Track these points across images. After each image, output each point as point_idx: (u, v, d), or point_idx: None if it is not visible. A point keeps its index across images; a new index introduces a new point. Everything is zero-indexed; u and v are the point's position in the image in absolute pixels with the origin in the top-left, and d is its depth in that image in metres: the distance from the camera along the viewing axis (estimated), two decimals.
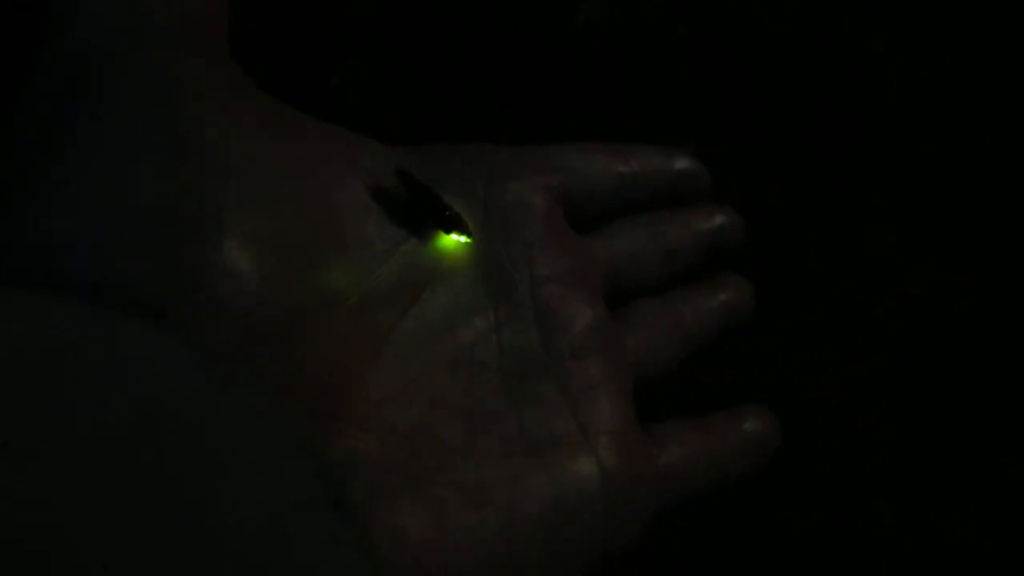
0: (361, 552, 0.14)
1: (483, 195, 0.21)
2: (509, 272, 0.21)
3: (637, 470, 0.20)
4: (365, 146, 0.20)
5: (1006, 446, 0.34)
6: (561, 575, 0.18)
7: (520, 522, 0.18)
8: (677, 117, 0.36)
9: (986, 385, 0.34)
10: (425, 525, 0.17)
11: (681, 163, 0.26)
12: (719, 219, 0.26)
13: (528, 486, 0.18)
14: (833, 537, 0.33)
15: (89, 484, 0.12)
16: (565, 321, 0.21)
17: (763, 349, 0.34)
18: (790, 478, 0.34)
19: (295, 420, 0.16)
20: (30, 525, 0.11)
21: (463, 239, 0.20)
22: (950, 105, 0.36)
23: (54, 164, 0.16)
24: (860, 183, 0.36)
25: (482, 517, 0.17)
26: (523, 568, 0.18)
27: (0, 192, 0.16)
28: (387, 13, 0.34)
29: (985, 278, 0.35)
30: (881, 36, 0.37)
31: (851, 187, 0.36)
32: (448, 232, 0.20)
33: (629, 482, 0.20)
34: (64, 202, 0.16)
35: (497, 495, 0.18)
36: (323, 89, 0.33)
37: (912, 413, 0.34)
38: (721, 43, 0.36)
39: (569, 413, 0.20)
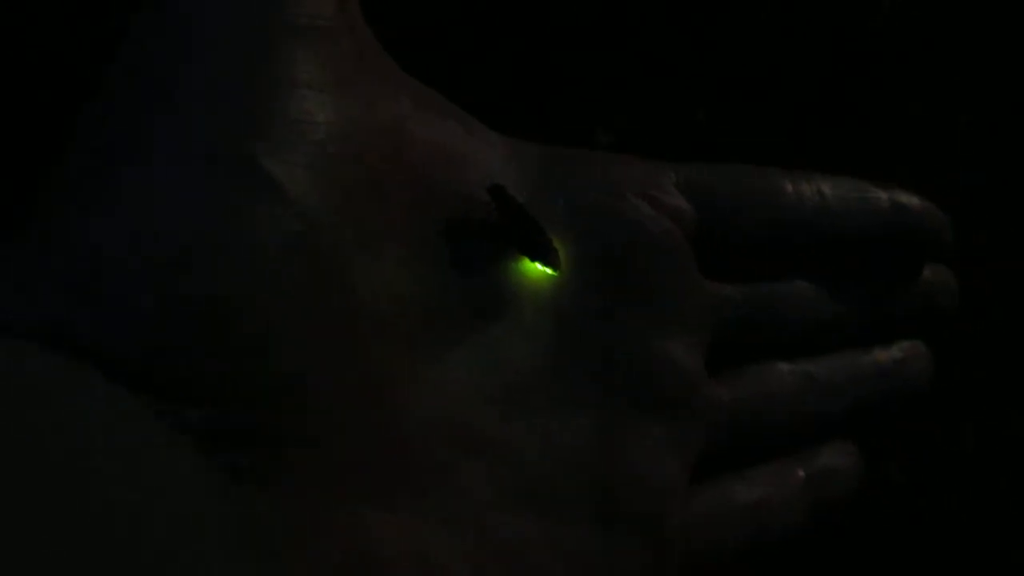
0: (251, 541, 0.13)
1: (594, 217, 0.18)
2: (594, 319, 0.18)
3: (666, 558, 0.18)
4: (478, 142, 0.18)
5: (1014, 407, 0.34)
6: None
7: None
8: (684, 82, 0.35)
9: (995, 346, 0.35)
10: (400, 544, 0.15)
11: (905, 201, 0.20)
12: (945, 281, 0.21)
13: (537, 548, 0.16)
14: None
15: None
16: (641, 374, 0.18)
17: None
18: None
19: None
20: None
21: (549, 271, 0.18)
22: (958, 64, 0.36)
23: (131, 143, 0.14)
24: (868, 144, 0.36)
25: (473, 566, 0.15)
26: None
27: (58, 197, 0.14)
28: None
29: (1000, 245, 0.35)
30: None
31: (859, 150, 0.36)
32: (533, 260, 0.18)
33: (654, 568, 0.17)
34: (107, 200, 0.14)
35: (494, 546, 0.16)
36: None
37: None
38: (729, 6, 0.35)
39: (605, 475, 0.17)
